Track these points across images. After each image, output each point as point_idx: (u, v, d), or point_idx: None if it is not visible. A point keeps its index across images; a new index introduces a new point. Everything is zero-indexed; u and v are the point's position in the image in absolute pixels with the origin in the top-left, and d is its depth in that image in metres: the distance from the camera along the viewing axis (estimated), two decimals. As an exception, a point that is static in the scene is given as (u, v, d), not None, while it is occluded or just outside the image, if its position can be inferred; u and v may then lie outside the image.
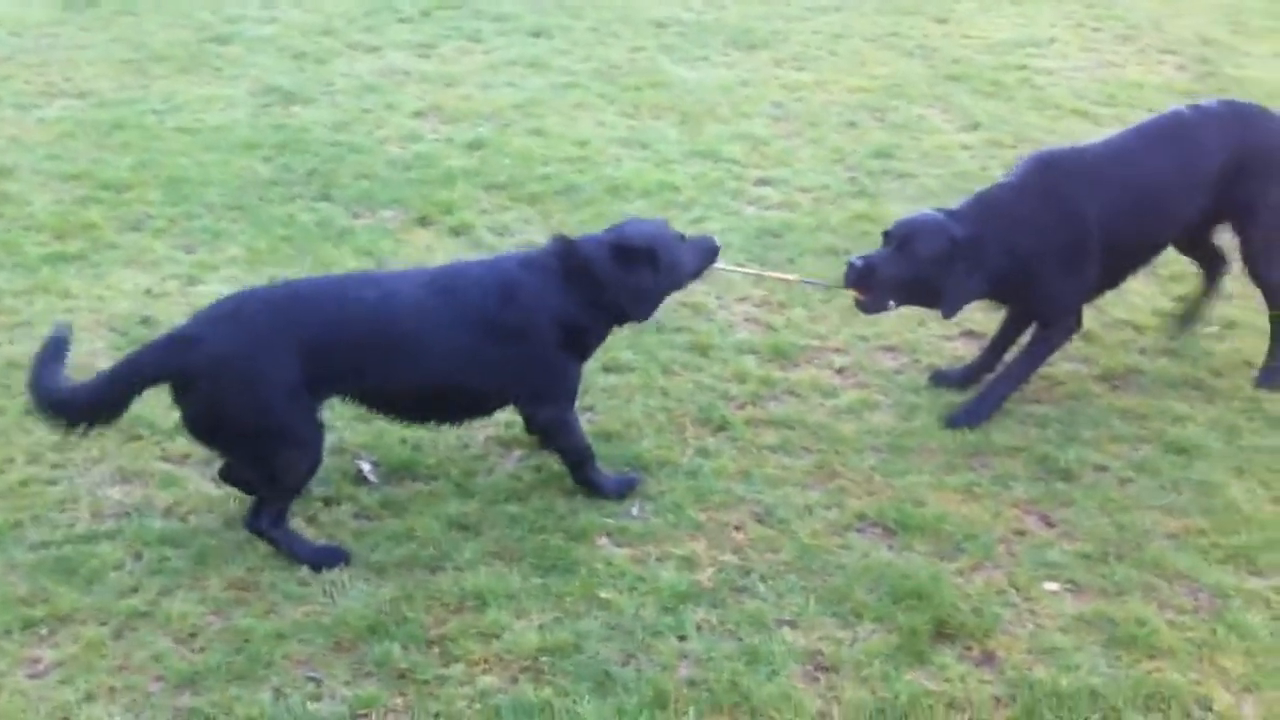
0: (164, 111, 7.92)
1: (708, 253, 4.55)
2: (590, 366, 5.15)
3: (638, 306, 4.36)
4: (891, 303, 4.73)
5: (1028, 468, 4.56)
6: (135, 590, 3.95)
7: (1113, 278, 5.06)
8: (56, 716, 3.49)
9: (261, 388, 3.93)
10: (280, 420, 3.98)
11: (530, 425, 4.45)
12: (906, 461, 4.59)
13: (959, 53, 9.49)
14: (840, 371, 5.20)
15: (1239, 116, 5.10)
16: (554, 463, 4.52)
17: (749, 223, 6.50)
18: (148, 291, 5.75)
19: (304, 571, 4.01)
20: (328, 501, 4.39)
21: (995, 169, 7.22)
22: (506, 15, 10.27)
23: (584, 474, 4.38)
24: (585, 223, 6.46)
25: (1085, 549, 4.14)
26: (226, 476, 4.31)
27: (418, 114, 8.05)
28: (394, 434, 4.68)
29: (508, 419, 4.78)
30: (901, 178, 7.13)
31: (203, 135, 7.56)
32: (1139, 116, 8.04)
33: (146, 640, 3.75)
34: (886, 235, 4.74)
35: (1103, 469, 4.56)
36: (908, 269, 4.63)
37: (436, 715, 3.50)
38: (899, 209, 6.64)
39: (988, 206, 4.78)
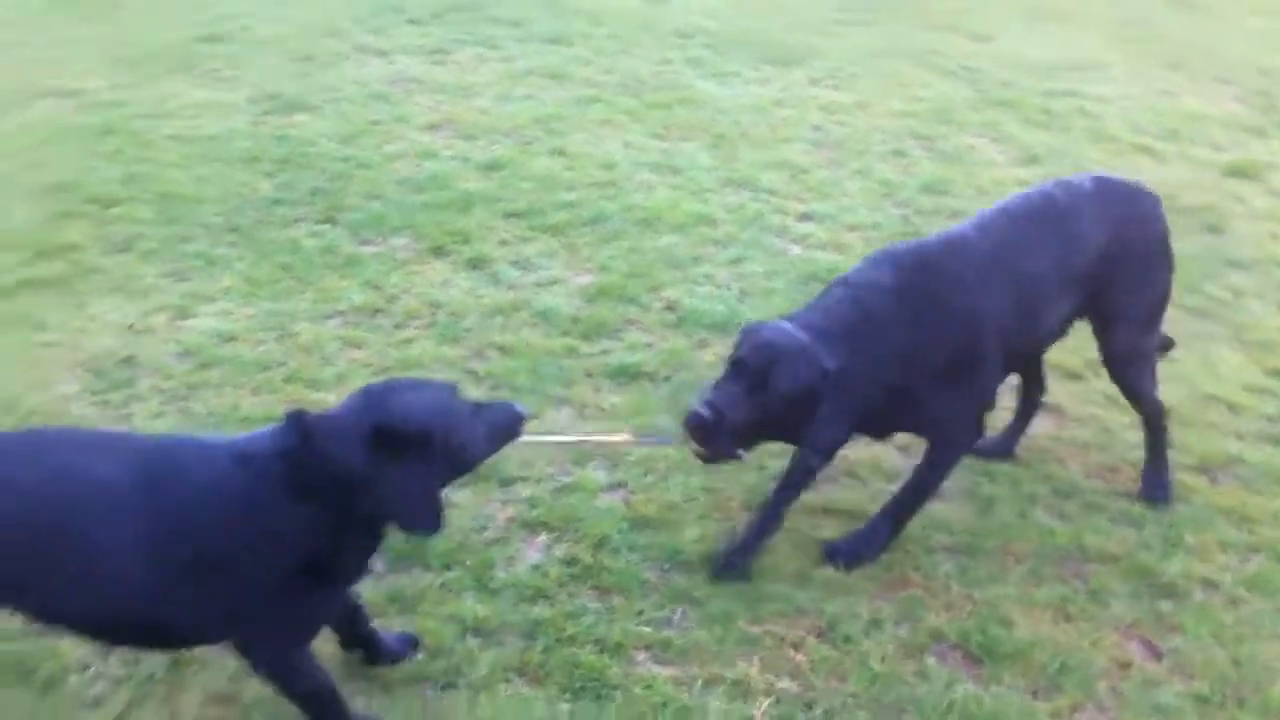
0: (156, 117, 7.33)
1: (506, 428, 3.18)
2: (620, 424, 4.60)
3: (410, 514, 2.97)
4: (741, 452, 3.78)
5: (1127, 581, 3.99)
6: (98, 703, 3.38)
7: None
8: None
9: None
10: None
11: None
12: (987, 568, 4.02)
13: (1004, 75, 8.94)
14: (904, 448, 4.64)
15: (1116, 199, 4.21)
16: (587, 555, 3.98)
17: (794, 265, 5.92)
18: (130, 327, 5.18)
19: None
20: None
21: (1056, 211, 6.67)
22: (522, 19, 9.71)
23: None
24: (613, 259, 5.91)
25: (1200, 689, 3.57)
26: None
27: (431, 127, 7.48)
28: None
29: (531, 494, 4.25)
30: (956, 216, 6.52)
31: (199, 145, 6.97)
32: (1205, 154, 7.60)
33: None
34: (735, 363, 3.73)
35: (1212, 585, 3.99)
36: (765, 412, 3.65)
37: None
38: (956, 255, 6.10)
39: (861, 318, 3.75)
